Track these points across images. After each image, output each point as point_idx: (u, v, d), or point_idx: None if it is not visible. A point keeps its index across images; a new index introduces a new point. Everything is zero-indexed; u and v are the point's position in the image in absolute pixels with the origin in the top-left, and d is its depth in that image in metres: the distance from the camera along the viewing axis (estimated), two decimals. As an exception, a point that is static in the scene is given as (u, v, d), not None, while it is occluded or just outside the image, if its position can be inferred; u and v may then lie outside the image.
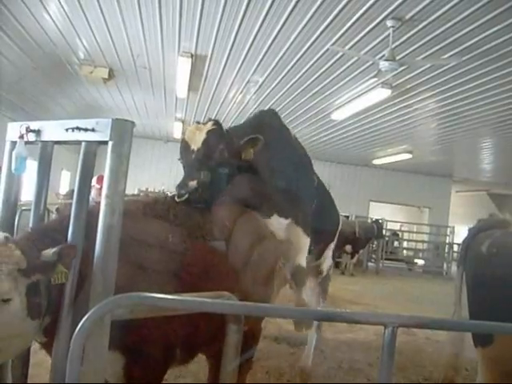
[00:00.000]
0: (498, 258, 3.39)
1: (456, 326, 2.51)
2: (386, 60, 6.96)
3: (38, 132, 2.81)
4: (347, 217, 18.23)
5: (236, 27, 7.54)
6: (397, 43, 7.27)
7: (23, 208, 5.82)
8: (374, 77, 8.47)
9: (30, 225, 2.97)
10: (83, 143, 2.59)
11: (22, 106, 12.88)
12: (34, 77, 11.25)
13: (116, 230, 2.42)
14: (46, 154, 2.89)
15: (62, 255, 2.42)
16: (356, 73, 8.96)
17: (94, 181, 7.37)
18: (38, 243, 2.58)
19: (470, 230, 4.13)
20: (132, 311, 2.56)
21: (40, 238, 2.65)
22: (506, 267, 3.29)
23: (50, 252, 2.42)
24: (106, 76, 10.81)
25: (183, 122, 16.03)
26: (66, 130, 2.62)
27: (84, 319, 1.99)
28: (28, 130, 2.81)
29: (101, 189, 6.98)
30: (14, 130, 2.93)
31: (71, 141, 2.66)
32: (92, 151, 2.60)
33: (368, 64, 8.26)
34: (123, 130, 2.45)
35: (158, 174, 18.87)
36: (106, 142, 2.45)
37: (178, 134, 18.14)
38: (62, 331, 2.50)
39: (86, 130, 2.51)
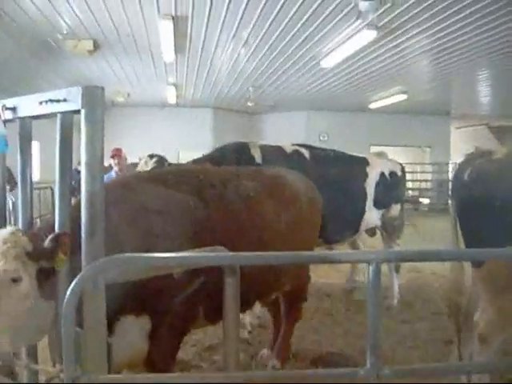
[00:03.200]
0: (478, 183, 3.50)
1: (435, 256, 2.58)
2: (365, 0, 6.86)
3: (14, 109, 2.84)
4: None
5: (212, -17, 7.44)
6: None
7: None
8: (358, 19, 8.34)
9: (20, 203, 3.04)
10: (58, 115, 2.62)
11: (11, 88, 12.82)
12: (20, 57, 11.18)
13: (99, 195, 2.46)
14: (25, 130, 2.93)
15: (58, 242, 2.55)
16: (339, 17, 8.82)
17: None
18: (45, 232, 2.71)
19: (459, 164, 4.23)
20: (126, 273, 2.64)
21: (48, 227, 2.77)
22: (485, 190, 3.41)
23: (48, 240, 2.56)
24: (92, 48, 10.75)
25: (175, 85, 15.96)
26: (40, 103, 2.65)
27: (74, 283, 2.06)
28: (4, 108, 2.84)
29: (116, 161, 7.23)
30: (-9, 109, 2.95)
31: (47, 114, 2.69)
32: (68, 121, 2.63)
33: (350, 6, 8.13)
34: (94, 97, 2.46)
35: (157, 140, 18.85)
36: (78, 111, 2.47)
37: (172, 99, 18.07)
38: (59, 301, 2.58)
39: (58, 101, 2.54)
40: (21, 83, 13.19)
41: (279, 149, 6.23)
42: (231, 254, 2.87)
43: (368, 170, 6.76)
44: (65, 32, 9.83)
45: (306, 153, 6.26)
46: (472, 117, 22.56)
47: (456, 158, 21.76)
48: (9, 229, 2.72)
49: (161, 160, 7.11)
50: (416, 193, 23.66)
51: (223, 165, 5.15)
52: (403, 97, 16.78)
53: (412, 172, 24.05)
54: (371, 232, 7.25)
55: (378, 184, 6.73)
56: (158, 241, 3.11)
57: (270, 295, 4.33)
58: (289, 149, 6.25)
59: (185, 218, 3.34)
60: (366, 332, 5.34)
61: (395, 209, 7.03)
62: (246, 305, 3.99)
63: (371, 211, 6.70)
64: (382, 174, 6.84)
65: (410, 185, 23.94)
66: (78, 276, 2.09)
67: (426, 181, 23.10)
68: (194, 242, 3.14)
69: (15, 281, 2.52)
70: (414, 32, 9.85)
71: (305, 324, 5.16)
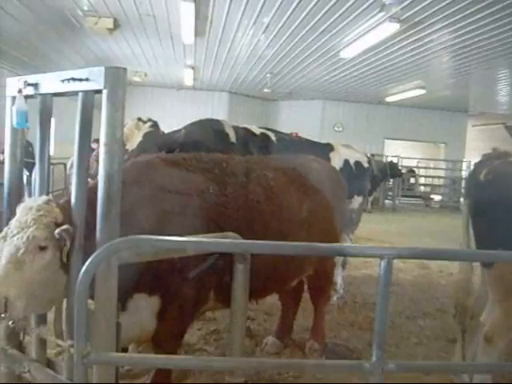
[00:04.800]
0: (494, 184, 3.51)
1: (449, 255, 2.58)
2: (390, -8, 6.77)
3: (35, 85, 2.85)
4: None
5: (237, -33, 7.37)
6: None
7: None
8: (381, 11, 8.26)
9: (37, 178, 3.07)
10: (80, 93, 2.63)
11: (30, 62, 12.89)
12: (40, 32, 11.19)
13: (117, 177, 2.48)
14: (45, 107, 2.94)
15: (61, 238, 2.61)
16: (362, 8, 8.72)
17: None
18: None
19: (475, 164, 4.22)
20: (139, 254, 2.66)
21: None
22: (501, 193, 3.42)
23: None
24: (111, 26, 10.71)
25: (193, 68, 15.92)
26: (62, 81, 2.66)
27: (87, 262, 2.09)
28: (26, 84, 2.85)
29: None
30: (12, 85, 2.97)
31: (68, 92, 2.70)
32: (89, 100, 2.64)
33: (373, -3, 8.06)
34: (116, 78, 2.47)
35: (172, 122, 18.81)
36: (100, 91, 2.48)
37: (188, 81, 18.06)
38: (72, 277, 2.62)
39: (80, 80, 2.55)
40: (40, 59, 13.24)
41: (249, 130, 6.21)
42: (243, 241, 2.88)
43: (331, 155, 6.64)
44: (85, 8, 9.81)
45: (272, 136, 6.26)
46: (489, 115, 22.35)
47: (471, 155, 21.62)
48: (44, 197, 2.80)
49: (156, 125, 6.71)
50: (428, 189, 23.60)
51: (197, 139, 5.26)
52: (421, 91, 16.62)
53: (425, 168, 23.97)
54: None
55: (341, 170, 6.41)
56: (173, 223, 3.14)
57: (290, 282, 4.35)
58: (257, 131, 6.25)
59: (203, 204, 3.37)
60: (371, 325, 5.36)
61: (356, 201, 6.81)
62: (264, 292, 4.09)
63: None
64: (347, 162, 6.70)
65: (422, 180, 23.88)
66: (92, 256, 2.11)
67: (439, 177, 22.97)
68: (210, 228, 3.18)
69: (42, 248, 2.59)
70: (437, 27, 9.74)
71: (310, 314, 5.18)
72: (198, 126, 5.99)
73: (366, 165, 6.94)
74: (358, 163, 6.80)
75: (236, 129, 6.03)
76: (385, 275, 2.31)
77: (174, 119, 19.03)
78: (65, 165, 12.38)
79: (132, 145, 5.22)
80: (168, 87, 20.40)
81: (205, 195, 3.45)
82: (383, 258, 2.29)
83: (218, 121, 6.17)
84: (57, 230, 2.59)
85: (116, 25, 10.79)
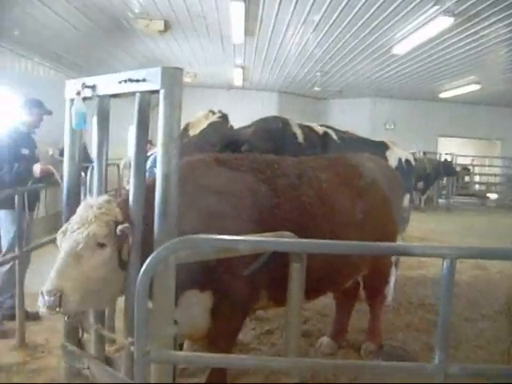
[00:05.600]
0: None
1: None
2: (445, -15, 6.59)
3: (93, 87, 2.90)
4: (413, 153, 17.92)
5: (287, -34, 7.31)
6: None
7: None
8: (435, 5, 8.05)
9: (95, 178, 3.12)
10: (137, 94, 2.66)
11: (82, 65, 13.16)
12: (93, 35, 11.40)
13: (173, 177, 2.50)
14: (103, 109, 2.99)
15: (122, 235, 2.67)
16: (415, 2, 8.52)
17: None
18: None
19: None
20: (197, 253, 2.67)
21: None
22: None
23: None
24: (162, 28, 10.81)
25: (243, 68, 15.96)
26: (119, 82, 2.69)
27: (147, 262, 2.10)
28: (84, 86, 2.90)
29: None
30: (71, 87, 3.03)
31: (126, 93, 2.74)
32: (146, 101, 2.67)
33: (427, -8, 7.87)
34: (173, 78, 2.49)
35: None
36: (157, 91, 2.50)
37: (238, 81, 18.12)
38: (131, 275, 2.66)
39: (137, 80, 2.58)
40: (92, 61, 13.50)
41: (313, 129, 6.12)
42: (301, 240, 2.85)
43: (388, 154, 6.54)
44: (137, 11, 9.95)
45: (333, 134, 6.17)
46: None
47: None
48: (105, 196, 2.89)
49: (225, 117, 6.60)
50: (483, 187, 22.90)
51: (265, 139, 5.29)
52: (476, 87, 16.18)
53: (480, 165, 23.29)
54: None
55: (396, 169, 6.21)
56: (225, 223, 3.15)
57: (346, 282, 4.33)
58: (320, 130, 6.16)
59: (255, 204, 3.37)
60: (427, 327, 5.23)
61: (406, 199, 6.55)
62: (319, 292, 4.10)
63: None
64: (400, 161, 6.60)
65: (477, 178, 23.21)
66: (151, 256, 2.13)
67: (495, 175, 22.27)
68: (262, 229, 3.16)
69: (101, 246, 2.66)
70: (493, 20, 9.42)
71: (365, 315, 5.10)
72: (265, 125, 5.97)
73: (413, 162, 6.86)
74: (407, 161, 6.72)
75: (302, 128, 5.98)
76: (448, 276, 2.23)
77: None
78: (118, 165, 12.59)
79: (195, 131, 5.27)
80: (217, 87, 20.50)
81: (257, 196, 3.46)
82: (446, 257, 2.22)
83: (284, 119, 6.13)
84: (119, 227, 2.65)
85: (167, 26, 10.90)
